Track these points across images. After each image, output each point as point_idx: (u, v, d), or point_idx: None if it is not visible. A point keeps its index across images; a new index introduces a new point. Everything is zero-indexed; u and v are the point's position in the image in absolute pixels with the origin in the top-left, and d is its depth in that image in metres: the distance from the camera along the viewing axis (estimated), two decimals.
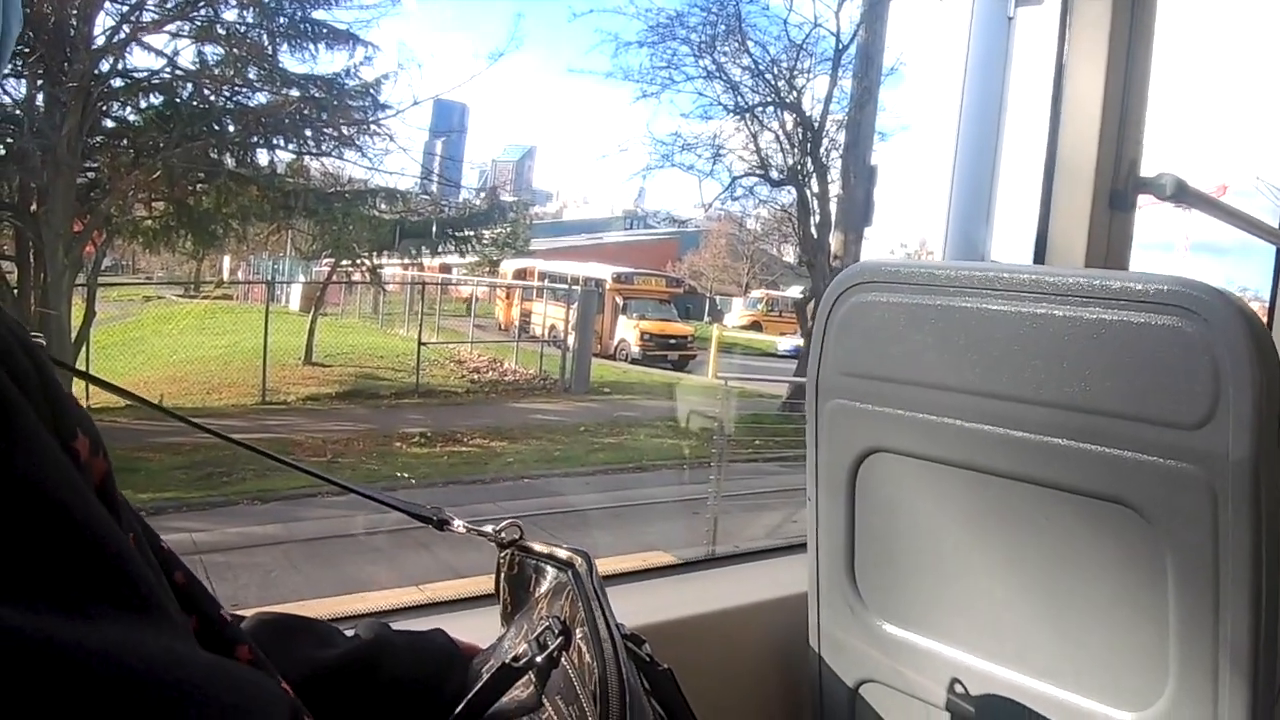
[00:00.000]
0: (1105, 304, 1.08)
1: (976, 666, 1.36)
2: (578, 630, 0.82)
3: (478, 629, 1.02)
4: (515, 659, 0.81)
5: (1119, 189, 1.93)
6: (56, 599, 0.34)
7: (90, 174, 7.77)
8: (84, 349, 7.79)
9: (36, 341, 0.46)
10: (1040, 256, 1.96)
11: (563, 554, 0.94)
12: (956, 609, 1.37)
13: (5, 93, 7.30)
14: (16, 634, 0.31)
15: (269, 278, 12.06)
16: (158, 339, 10.72)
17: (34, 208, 7.17)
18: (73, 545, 0.37)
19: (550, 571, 0.95)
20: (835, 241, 10.81)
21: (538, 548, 0.98)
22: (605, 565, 0.94)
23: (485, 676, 0.81)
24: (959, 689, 1.37)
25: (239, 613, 0.85)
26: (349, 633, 0.92)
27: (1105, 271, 1.18)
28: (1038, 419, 1.16)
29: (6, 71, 6.56)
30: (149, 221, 8.58)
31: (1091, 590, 1.19)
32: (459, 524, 1.02)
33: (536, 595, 0.95)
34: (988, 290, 1.19)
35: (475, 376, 11.42)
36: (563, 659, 0.80)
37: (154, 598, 0.40)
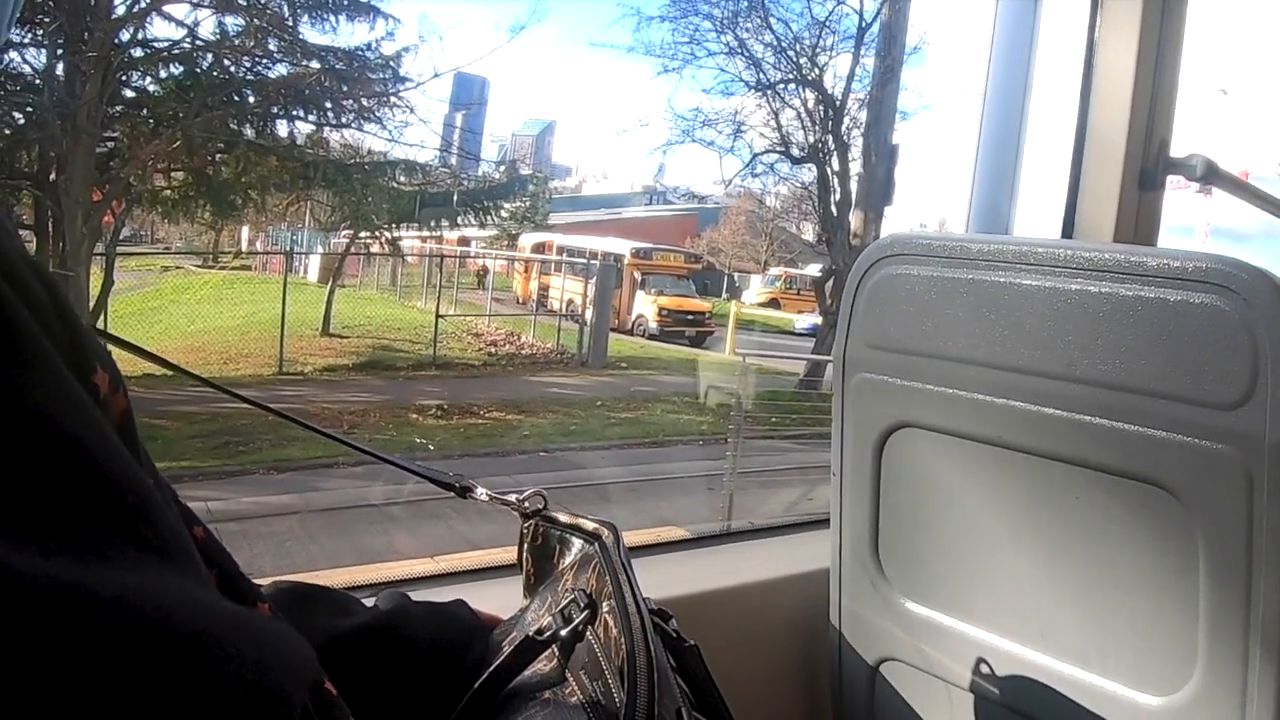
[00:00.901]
0: (1142, 281, 1.06)
1: (1000, 646, 1.34)
2: (604, 604, 0.80)
3: (499, 599, 1.02)
4: (539, 631, 0.79)
5: (1149, 168, 1.91)
6: (71, 540, 0.33)
7: (110, 143, 7.79)
8: (102, 317, 7.83)
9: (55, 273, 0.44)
10: (1068, 234, 1.94)
11: (589, 525, 0.92)
12: (981, 588, 1.36)
13: (25, 61, 7.32)
14: (19, 579, 0.29)
15: (287, 248, 12.09)
16: (176, 308, 10.77)
17: (53, 176, 7.20)
18: (89, 483, 0.35)
19: (576, 543, 0.94)
20: (855, 220, 10.79)
21: (562, 518, 0.96)
22: (625, 538, 0.92)
23: (507, 649, 0.80)
24: (983, 669, 1.36)
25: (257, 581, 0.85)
26: (368, 602, 0.91)
27: (1141, 248, 1.16)
28: (1070, 396, 1.14)
29: (26, 40, 6.53)
30: (168, 191, 8.61)
31: (1120, 572, 1.17)
32: (482, 492, 1.01)
33: (561, 567, 0.94)
34: (1021, 264, 1.17)
35: (492, 349, 11.44)
36: (588, 633, 0.79)
37: (176, 540, 0.38)
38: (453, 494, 1.01)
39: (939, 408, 1.30)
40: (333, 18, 8.68)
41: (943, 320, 1.26)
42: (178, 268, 12.65)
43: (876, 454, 1.42)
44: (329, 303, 10.58)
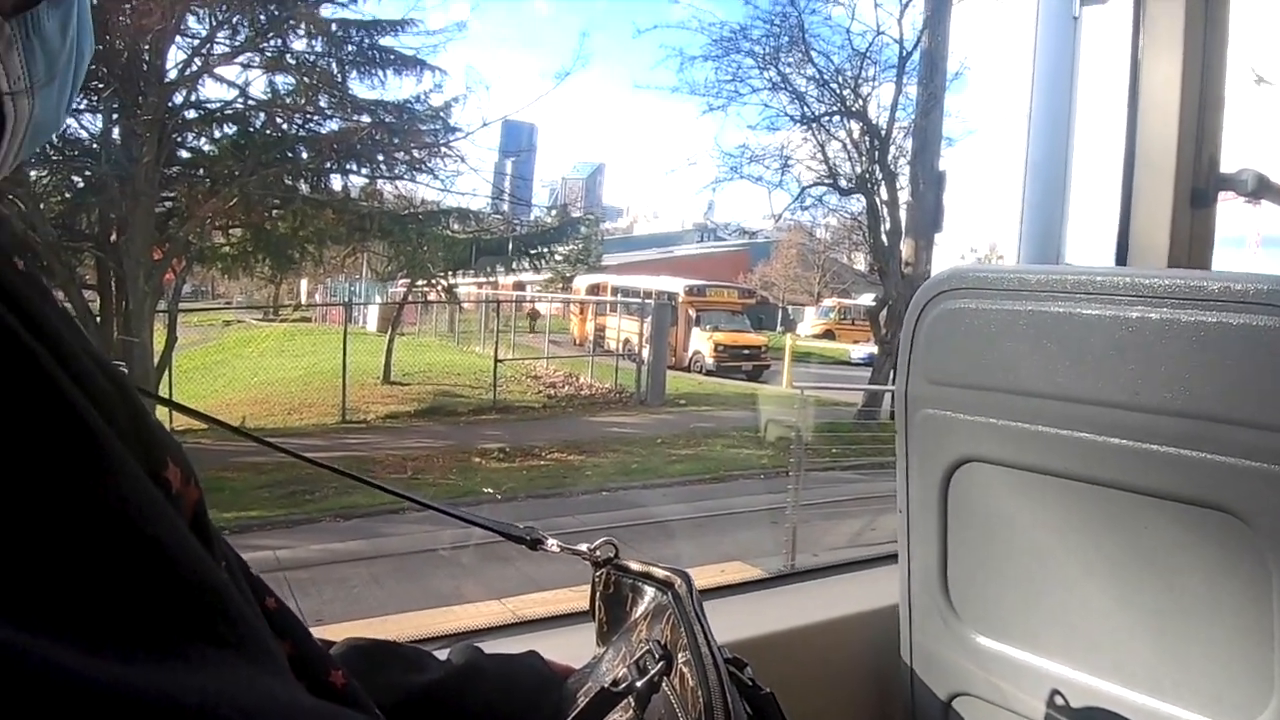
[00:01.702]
0: (1202, 305, 1.05)
1: (1073, 679, 1.33)
2: (680, 654, 0.80)
3: (571, 649, 1.02)
4: (614, 683, 0.79)
5: (1200, 186, 1.89)
6: (152, 643, 0.33)
7: (168, 203, 8.01)
8: (166, 373, 7.98)
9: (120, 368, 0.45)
10: (1122, 257, 1.92)
11: (660, 573, 0.92)
12: (1053, 620, 1.35)
13: (82, 127, 7.54)
14: (100, 689, 0.29)
15: (346, 299, 12.28)
16: (239, 362, 10.98)
17: (114, 237, 7.40)
18: (167, 584, 0.35)
19: (648, 591, 0.93)
20: (906, 248, 10.76)
21: (634, 566, 0.96)
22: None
23: (583, 701, 0.80)
24: (1056, 701, 1.34)
25: (323, 634, 0.86)
26: (440, 655, 0.91)
27: (1201, 272, 1.15)
28: (1134, 425, 1.13)
29: (82, 106, 6.72)
30: (227, 247, 8.82)
31: (1192, 600, 1.16)
32: (553, 543, 1.01)
33: (635, 616, 0.94)
34: (1080, 294, 1.16)
35: (551, 391, 11.53)
36: (664, 684, 0.78)
37: (253, 633, 0.38)
38: (524, 545, 1.01)
39: (1004, 442, 1.29)
40: (381, 72, 8.87)
41: (1003, 353, 1.26)
42: (239, 322, 12.92)
43: (943, 489, 1.41)
44: (389, 351, 10.74)
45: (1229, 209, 2.02)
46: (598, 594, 1.00)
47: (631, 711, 0.78)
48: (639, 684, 0.78)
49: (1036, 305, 1.21)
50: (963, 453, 1.36)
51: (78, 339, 0.40)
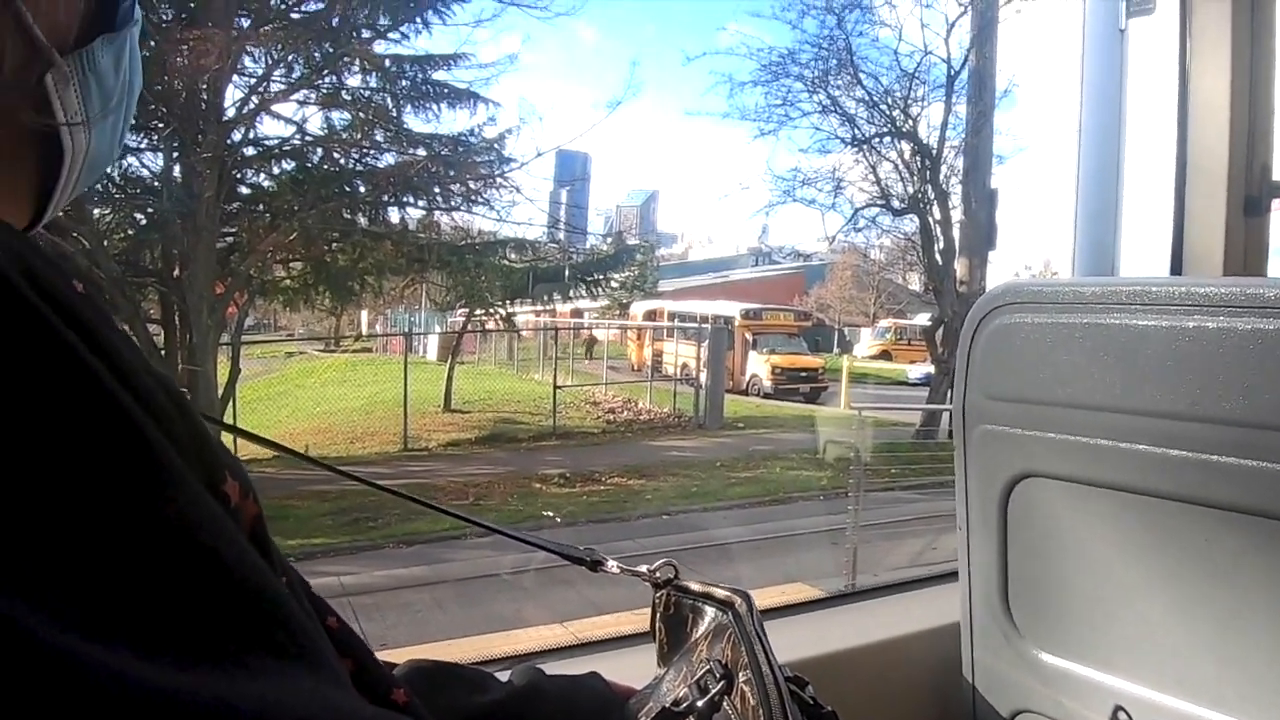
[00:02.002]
0: (1260, 313, 1.04)
1: (1138, 694, 1.31)
2: (740, 674, 0.80)
3: (633, 669, 1.02)
4: (675, 703, 0.80)
5: (1253, 194, 1.88)
6: (210, 651, 0.34)
7: (229, 238, 8.15)
8: (231, 404, 8.11)
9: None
10: (1177, 267, 1.91)
11: (721, 594, 0.92)
12: (1116, 635, 1.33)
13: (143, 165, 7.73)
14: (157, 694, 0.30)
15: (406, 329, 12.44)
16: (301, 392, 11.14)
17: (177, 272, 7.55)
18: (226, 593, 0.36)
19: (709, 612, 0.93)
20: (960, 267, 10.67)
21: (694, 587, 0.96)
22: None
23: None
24: (1121, 717, 1.33)
25: (388, 657, 0.87)
26: (502, 677, 0.92)
27: (1258, 280, 1.14)
28: (1195, 436, 1.12)
29: (143, 145, 6.83)
30: (288, 281, 8.95)
31: (1256, 612, 1.14)
32: (613, 564, 1.02)
33: (695, 636, 0.94)
34: (1136, 305, 1.16)
35: (610, 417, 11.55)
36: (725, 703, 0.79)
37: (313, 644, 0.39)
38: (584, 567, 1.02)
39: (1063, 456, 1.29)
40: (435, 106, 8.98)
41: (1061, 366, 1.25)
42: (301, 353, 13.13)
43: (1003, 505, 1.40)
44: (449, 379, 10.85)
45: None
46: (658, 615, 1.00)
47: None
48: (700, 703, 0.79)
49: (1092, 318, 1.21)
50: (1022, 468, 1.35)
51: (137, 357, 0.41)
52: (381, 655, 0.78)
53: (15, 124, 0.48)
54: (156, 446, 0.37)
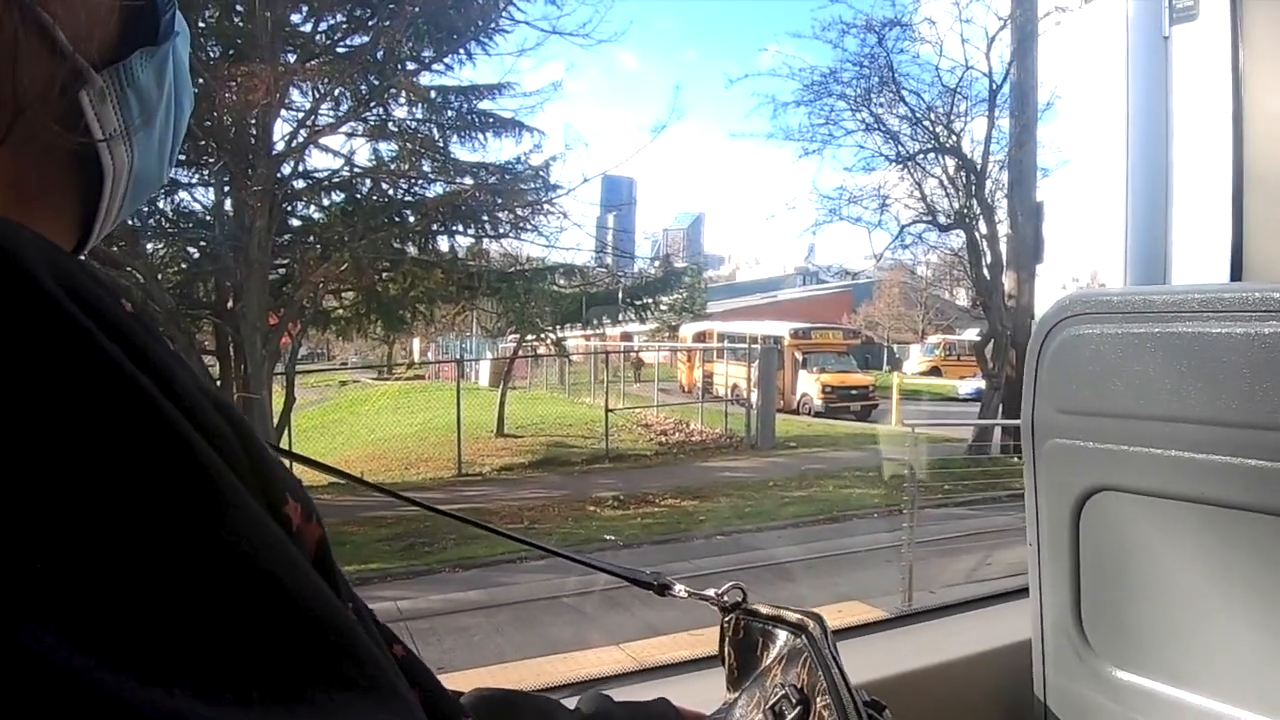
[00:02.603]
0: None
1: (1216, 711, 1.28)
2: (818, 699, 0.79)
3: (700, 694, 1.01)
4: None
5: None
6: (273, 686, 0.32)
7: (281, 269, 8.31)
8: (286, 432, 8.22)
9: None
10: (1237, 275, 1.88)
11: (793, 617, 0.91)
12: (1193, 652, 1.31)
13: (195, 200, 7.89)
14: None
15: (458, 356, 12.55)
16: (355, 420, 11.29)
17: (231, 304, 7.71)
18: (288, 622, 0.34)
19: (781, 635, 0.92)
20: (1008, 281, 10.64)
21: (764, 610, 0.95)
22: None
23: None
24: None
25: (450, 684, 0.88)
26: (569, 703, 0.90)
27: None
28: (1273, 445, 1.09)
29: (194, 180, 6.92)
30: (340, 310, 9.10)
31: None
32: (680, 588, 1.00)
33: (768, 661, 0.92)
34: (1208, 313, 1.13)
35: (663, 439, 11.58)
36: None
37: (383, 675, 0.37)
38: (651, 591, 1.01)
39: (1136, 469, 1.26)
40: (481, 135, 9.11)
41: (1132, 377, 1.23)
42: (355, 381, 13.30)
43: (1074, 520, 1.38)
44: (501, 404, 10.94)
45: None
46: (727, 639, 0.99)
47: None
48: None
49: (1163, 326, 1.19)
50: (1094, 482, 1.33)
51: (190, 376, 0.39)
52: (444, 680, 0.78)
53: (50, 143, 0.47)
54: (211, 466, 0.35)
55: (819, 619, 0.89)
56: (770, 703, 0.81)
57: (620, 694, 0.96)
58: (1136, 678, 1.38)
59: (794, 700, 0.80)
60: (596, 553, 6.30)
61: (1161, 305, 1.19)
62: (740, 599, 0.99)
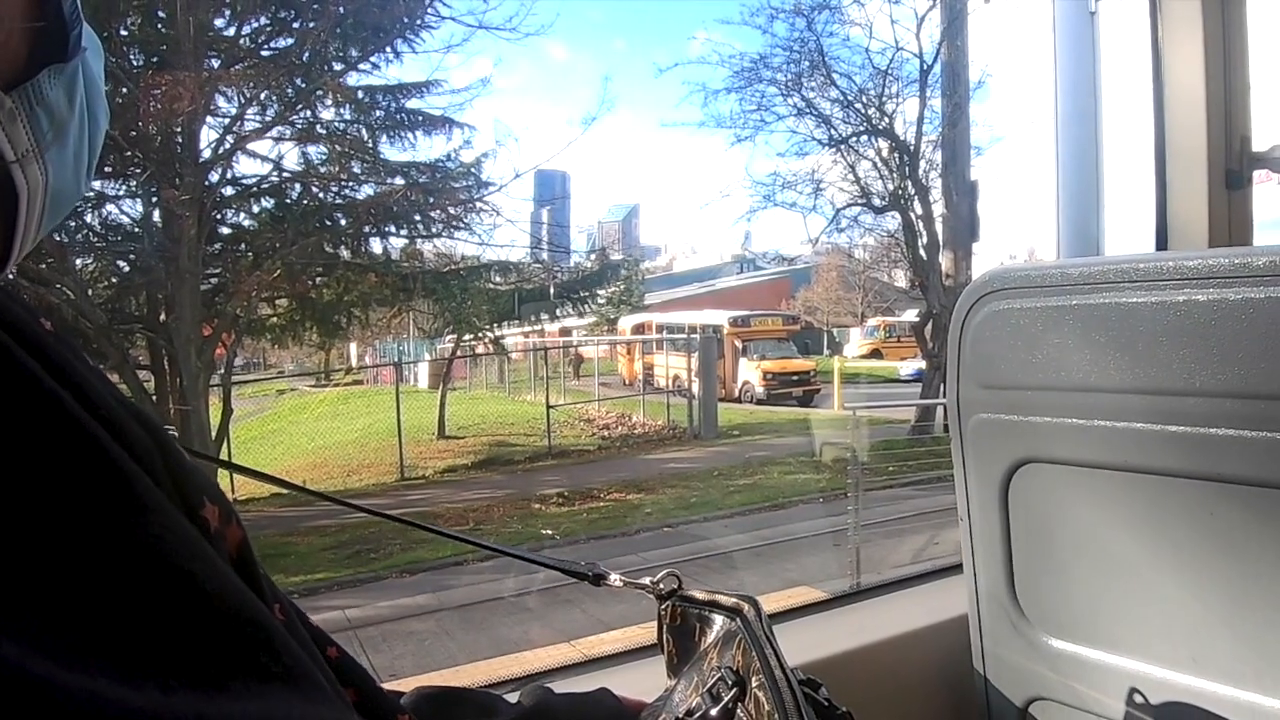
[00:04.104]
0: (1250, 282, 1.03)
1: (1150, 674, 1.30)
2: (753, 679, 0.79)
3: (642, 683, 1.02)
4: (689, 713, 0.79)
5: (1233, 167, 1.88)
6: (190, 675, 0.33)
7: (213, 279, 8.18)
8: (225, 444, 8.11)
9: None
10: (1162, 244, 1.91)
11: (728, 601, 0.92)
12: (1125, 617, 1.32)
13: (123, 212, 7.74)
14: (140, 717, 0.30)
15: (395, 359, 12.45)
16: (295, 428, 11.17)
17: (163, 317, 7.58)
18: (206, 616, 0.36)
19: (717, 620, 0.92)
20: (945, 260, 10.73)
21: (700, 596, 0.96)
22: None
23: None
24: (1135, 699, 1.31)
25: (396, 686, 0.85)
26: (511, 698, 0.90)
27: (1245, 249, 1.13)
28: (1193, 411, 1.11)
29: (121, 192, 6.85)
30: (274, 318, 8.98)
31: (1266, 584, 1.13)
32: (615, 578, 1.01)
33: (704, 645, 0.93)
34: (1124, 283, 1.15)
35: (605, 433, 11.58)
36: (739, 710, 0.78)
37: (300, 666, 0.38)
38: (586, 582, 1.01)
39: (1060, 440, 1.28)
40: (410, 134, 9.03)
41: (1052, 350, 1.24)
42: (292, 390, 13.15)
43: (1003, 494, 1.39)
44: (441, 406, 10.88)
45: (1270, 191, 2.00)
46: (665, 627, 0.99)
47: None
48: (713, 711, 0.78)
49: (1081, 298, 1.20)
50: (1020, 455, 1.34)
51: (108, 389, 0.41)
52: (392, 685, 0.76)
53: None
54: (128, 473, 0.37)
55: (754, 602, 0.89)
56: (708, 686, 0.81)
57: (563, 686, 0.97)
58: (1072, 646, 1.39)
59: (730, 682, 0.79)
60: (538, 550, 6.30)
61: (1078, 277, 1.20)
62: (676, 586, 0.99)
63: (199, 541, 0.39)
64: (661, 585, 0.99)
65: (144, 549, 0.35)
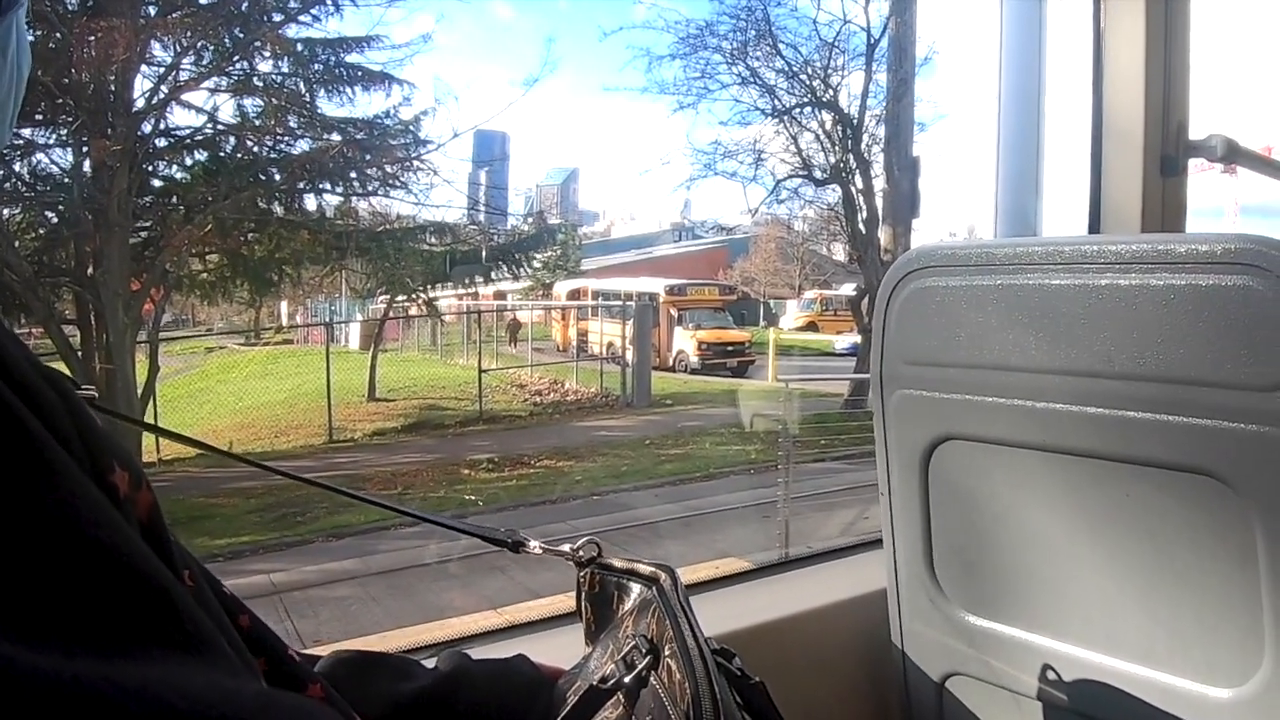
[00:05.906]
0: (1171, 269, 1.05)
1: (1065, 652, 1.32)
2: (666, 648, 0.80)
3: (561, 650, 1.01)
4: (603, 680, 0.79)
5: (1169, 154, 1.91)
6: (94, 640, 0.33)
7: (143, 233, 7.98)
8: (151, 403, 7.96)
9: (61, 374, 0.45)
10: (1095, 227, 1.93)
11: (645, 569, 0.92)
12: (1041, 595, 1.34)
13: (53, 162, 7.52)
14: (44, 679, 0.30)
15: (327, 319, 12.27)
16: (223, 388, 10.97)
17: (91, 270, 7.36)
18: (111, 583, 0.35)
19: (634, 588, 0.93)
20: (884, 235, 10.80)
21: (617, 564, 0.96)
22: (681, 575, 0.92)
23: (572, 700, 0.80)
24: (1049, 676, 1.34)
25: (317, 651, 0.85)
26: (429, 663, 0.90)
27: (1168, 235, 1.15)
28: (1111, 393, 1.13)
29: (51, 140, 6.69)
30: (205, 274, 8.79)
31: (1180, 566, 1.15)
32: (535, 545, 1.00)
33: (621, 613, 0.93)
34: (1049, 264, 1.16)
35: (538, 399, 11.54)
36: (651, 678, 0.78)
37: (204, 634, 0.38)
38: (505, 549, 1.01)
39: (981, 418, 1.29)
40: (349, 90, 8.84)
41: (976, 329, 1.25)
42: (221, 348, 12.88)
43: (923, 470, 1.40)
44: (372, 368, 10.75)
45: (1208, 180, 2.04)
46: (583, 594, 0.99)
47: (622, 708, 0.78)
48: (627, 679, 0.78)
49: (1006, 279, 1.21)
50: (940, 432, 1.36)
51: (20, 351, 0.40)
52: (311, 650, 0.74)
53: None
54: (35, 436, 0.36)
55: (671, 571, 0.89)
56: (622, 653, 0.81)
57: (481, 652, 0.98)
58: (989, 622, 1.41)
59: (644, 650, 0.80)
60: (462, 517, 6.29)
61: (1003, 258, 1.21)
62: (595, 554, 0.99)
63: (106, 507, 0.38)
64: (580, 553, 0.99)
65: (50, 515, 0.35)
